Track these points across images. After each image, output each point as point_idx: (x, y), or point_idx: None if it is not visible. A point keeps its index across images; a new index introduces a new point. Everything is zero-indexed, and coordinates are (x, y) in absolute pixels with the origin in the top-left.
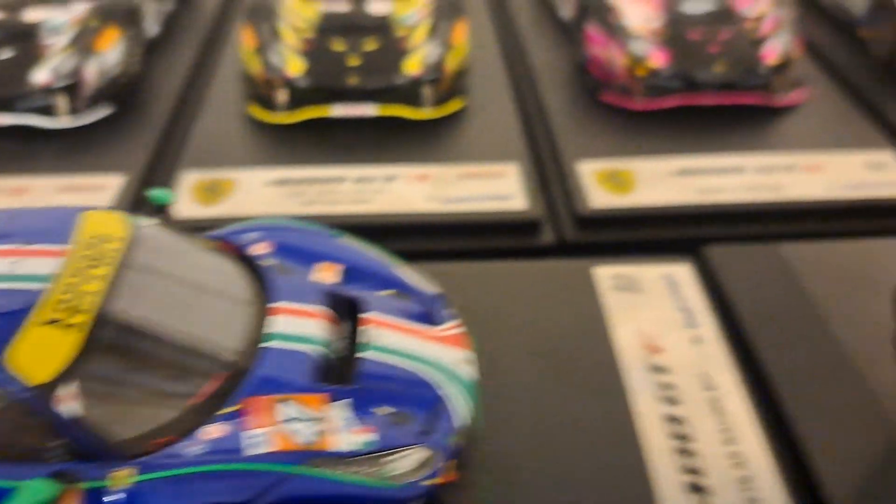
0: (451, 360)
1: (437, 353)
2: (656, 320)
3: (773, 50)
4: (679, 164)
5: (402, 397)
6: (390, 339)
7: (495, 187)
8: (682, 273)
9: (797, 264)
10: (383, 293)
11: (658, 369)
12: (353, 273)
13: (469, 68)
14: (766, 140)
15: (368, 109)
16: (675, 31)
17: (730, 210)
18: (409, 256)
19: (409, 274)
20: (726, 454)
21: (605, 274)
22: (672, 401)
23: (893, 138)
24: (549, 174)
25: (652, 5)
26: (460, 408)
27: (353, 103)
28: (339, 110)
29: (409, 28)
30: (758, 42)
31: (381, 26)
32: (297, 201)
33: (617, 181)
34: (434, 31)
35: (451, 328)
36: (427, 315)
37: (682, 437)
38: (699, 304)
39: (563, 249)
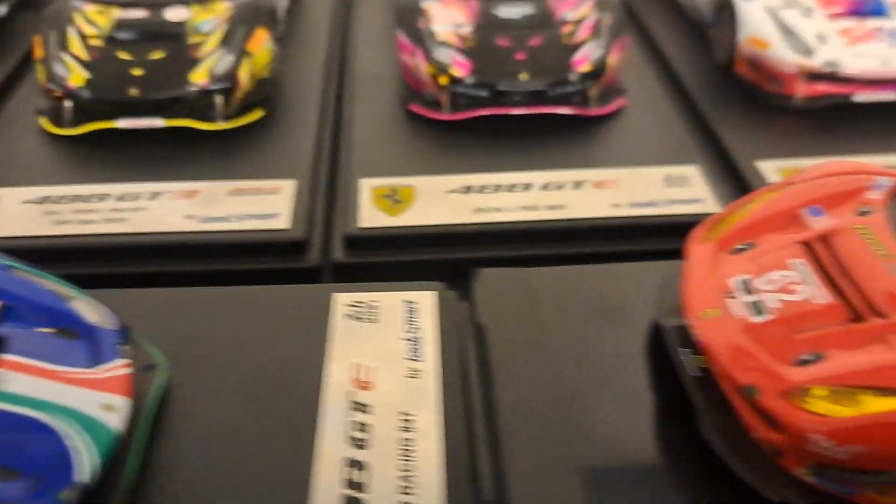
0: (93, 407)
1: (78, 399)
2: (379, 353)
3: (586, 57)
4: (464, 180)
5: (16, 450)
6: (22, 384)
7: (264, 205)
8: (426, 301)
9: (548, 290)
10: (40, 331)
11: (359, 407)
12: (14, 309)
13: (280, 77)
14: (571, 154)
15: (155, 122)
16: (484, 37)
17: (502, 230)
18: (157, 279)
19: (86, 308)
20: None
21: (344, 301)
22: (361, 444)
23: (711, 149)
24: (328, 192)
25: (465, 10)
26: (86, 461)
27: (139, 116)
28: (124, 123)
29: (203, 35)
30: (571, 49)
31: (174, 34)
32: (48, 220)
33: (394, 199)
34: (228, 39)
35: (114, 369)
36: (92, 354)
37: (356, 486)
38: (431, 334)
39: (331, 271)
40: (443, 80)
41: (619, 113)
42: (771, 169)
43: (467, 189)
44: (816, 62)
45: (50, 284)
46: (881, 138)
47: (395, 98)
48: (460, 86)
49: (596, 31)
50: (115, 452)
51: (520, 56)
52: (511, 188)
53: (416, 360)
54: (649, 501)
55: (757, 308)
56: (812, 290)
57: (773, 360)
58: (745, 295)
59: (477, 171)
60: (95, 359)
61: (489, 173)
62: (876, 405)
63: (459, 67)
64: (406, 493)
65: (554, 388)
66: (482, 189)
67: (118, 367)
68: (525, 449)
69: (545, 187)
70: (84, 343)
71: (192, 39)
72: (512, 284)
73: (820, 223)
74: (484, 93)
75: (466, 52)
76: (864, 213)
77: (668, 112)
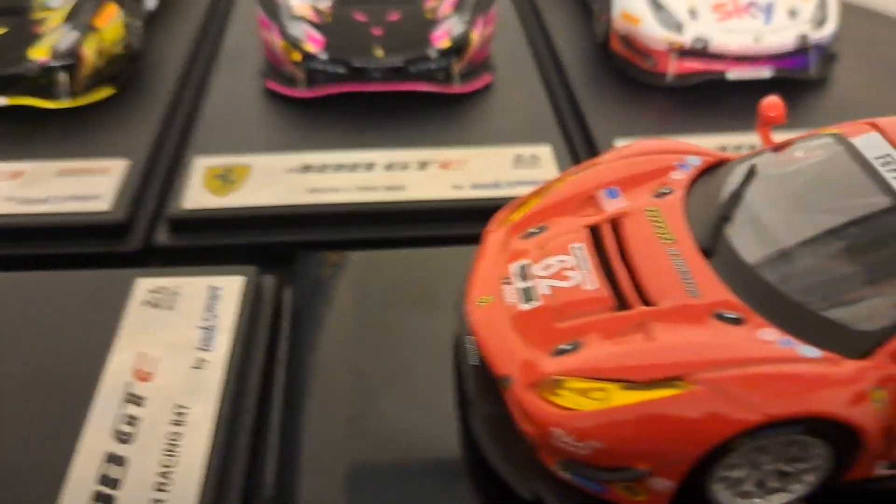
0: None
1: None
2: (168, 342)
3: (447, 32)
4: (305, 159)
5: None
6: None
7: (88, 187)
8: (232, 286)
9: (366, 274)
10: None
11: (133, 399)
12: None
13: (145, 54)
14: (426, 133)
15: None
16: (341, 11)
17: (333, 212)
18: None
19: None
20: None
21: (146, 287)
22: (125, 438)
23: (573, 128)
24: (160, 171)
25: None
26: None
27: None
28: None
29: (49, 11)
30: (431, 24)
31: (18, 9)
32: None
33: (226, 179)
34: (73, 15)
35: None
36: None
37: (110, 482)
38: (229, 322)
39: (155, 254)
40: (296, 56)
41: (484, 90)
42: None
43: (306, 168)
44: (686, 38)
45: None
46: (751, 116)
47: (257, 75)
48: (315, 62)
49: (459, 7)
50: None
51: (376, 31)
52: (353, 168)
53: (206, 349)
54: (420, 496)
55: (527, 295)
56: (583, 276)
57: (531, 350)
58: (521, 281)
59: (322, 149)
60: None
61: (332, 152)
62: (621, 398)
63: (313, 43)
64: (160, 490)
65: (354, 378)
66: (323, 169)
67: None
68: (313, 442)
69: (389, 167)
70: None
71: (37, 15)
72: (330, 268)
73: (613, 205)
74: (340, 69)
75: (321, 27)
76: (661, 195)
77: (536, 90)
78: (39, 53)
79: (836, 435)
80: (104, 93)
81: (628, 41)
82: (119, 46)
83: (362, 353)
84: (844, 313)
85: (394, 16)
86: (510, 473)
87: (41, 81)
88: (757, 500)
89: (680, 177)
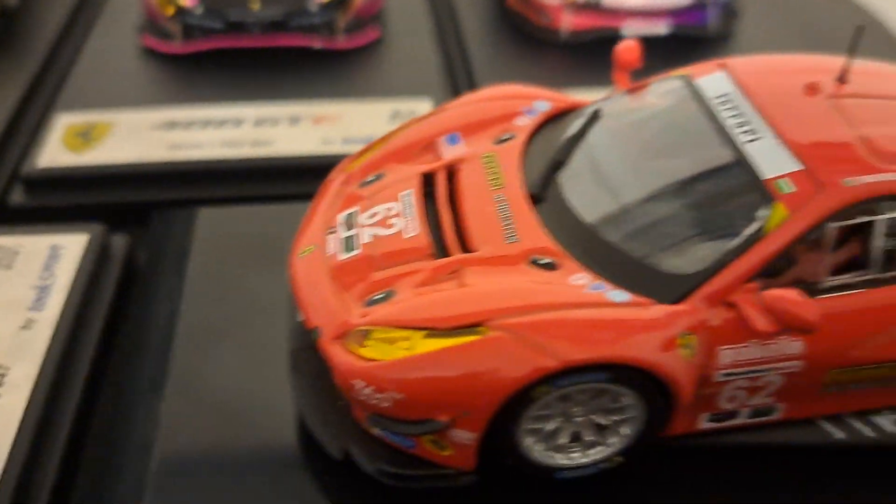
0: None
1: None
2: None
3: None
4: (170, 116)
5: None
6: None
7: None
8: (74, 246)
9: (217, 231)
10: None
11: None
12: None
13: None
14: (305, 87)
15: None
16: None
17: (193, 168)
18: None
19: None
20: None
21: None
22: None
23: (460, 83)
24: (25, 130)
25: None
26: None
27: None
28: None
29: None
30: None
31: None
32: None
33: (87, 137)
34: None
35: None
36: None
37: None
38: (66, 281)
39: (9, 214)
40: (169, 11)
41: (372, 45)
42: None
43: (172, 125)
44: None
45: None
46: (646, 73)
47: (136, 32)
48: (190, 16)
49: None
50: None
51: None
52: (221, 124)
53: (37, 309)
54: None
55: (349, 244)
56: (406, 224)
57: (343, 301)
58: (345, 230)
59: (192, 105)
60: None
61: (201, 108)
62: (422, 347)
63: None
64: None
65: (186, 335)
66: (189, 125)
67: None
68: (142, 398)
69: (259, 123)
70: None
71: None
72: (180, 226)
73: (452, 152)
74: (217, 23)
75: None
76: (502, 141)
77: (428, 45)
78: None
79: (644, 383)
80: None
81: None
82: None
83: (200, 310)
84: (661, 258)
85: None
86: (322, 431)
87: None
88: (574, 455)
89: (525, 122)
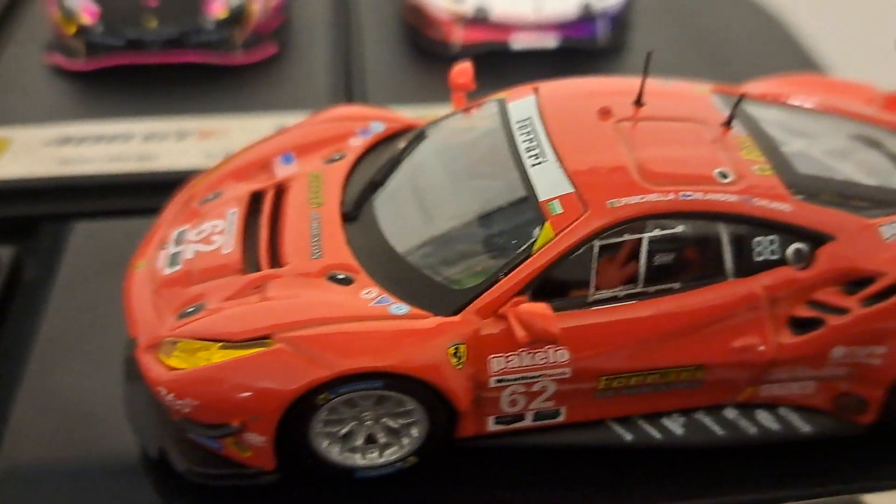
0: None
1: None
2: None
3: (222, 3)
4: (65, 132)
5: None
6: None
7: None
8: None
9: (91, 243)
10: None
11: None
12: None
13: None
14: (199, 103)
15: None
16: None
17: (81, 184)
18: None
19: None
20: None
21: None
22: None
23: (352, 96)
24: None
25: None
26: None
27: None
28: None
29: None
30: None
31: None
32: None
33: None
34: None
35: None
36: None
37: None
38: None
39: None
40: (70, 29)
41: (273, 60)
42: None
43: (66, 140)
44: (467, 7)
45: None
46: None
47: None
48: (91, 34)
49: None
50: None
51: (151, 2)
52: (112, 139)
53: None
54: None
55: (173, 259)
56: (225, 241)
57: (159, 313)
58: (174, 246)
59: (89, 121)
60: None
61: (96, 124)
62: (217, 357)
63: (88, 15)
64: None
65: (43, 348)
66: (81, 141)
67: None
68: None
69: (147, 138)
70: None
71: None
72: (61, 239)
73: (285, 171)
74: (117, 41)
75: None
76: (332, 161)
77: (324, 60)
78: None
79: (419, 389)
80: None
81: (416, 11)
82: None
83: (63, 320)
84: (446, 274)
85: None
86: (142, 432)
87: None
88: (371, 455)
89: (357, 143)
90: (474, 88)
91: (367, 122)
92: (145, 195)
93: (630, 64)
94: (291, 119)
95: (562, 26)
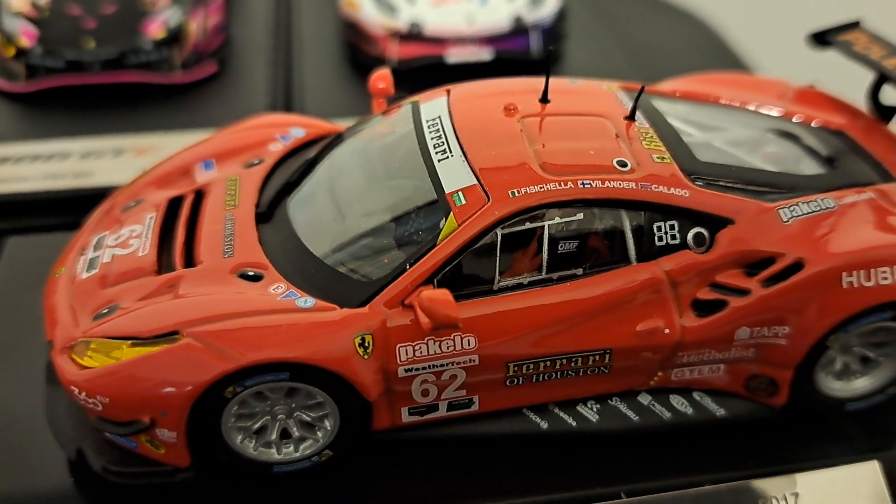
0: None
1: None
2: None
3: (160, 24)
4: (1, 151)
5: None
6: None
7: None
8: None
9: (23, 257)
10: None
11: None
12: None
13: None
14: (140, 121)
15: None
16: (57, 6)
17: (16, 200)
18: None
19: None
20: None
21: None
22: None
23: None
24: None
25: None
26: None
27: None
28: None
29: None
30: (145, 15)
31: None
32: None
33: None
34: None
35: None
36: None
37: None
38: None
39: None
40: (9, 51)
41: (213, 78)
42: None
43: (3, 160)
44: (401, 23)
45: None
46: None
47: None
48: (31, 56)
49: None
50: None
51: (89, 24)
52: (49, 158)
53: None
54: None
55: (91, 264)
56: (141, 244)
57: (74, 316)
58: (92, 251)
59: (26, 141)
60: None
61: (33, 144)
62: (127, 355)
63: (27, 37)
64: None
65: None
66: (18, 160)
67: None
68: None
69: (85, 156)
70: None
71: None
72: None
73: (205, 177)
74: (57, 63)
75: (37, 21)
76: (251, 165)
77: (264, 78)
78: None
79: (326, 380)
80: None
81: (352, 27)
82: None
83: None
84: (355, 268)
85: (109, 8)
86: (60, 434)
87: None
88: (287, 450)
89: (277, 148)
90: (393, 93)
91: (287, 128)
92: (80, 210)
93: (564, 74)
94: None
95: (495, 39)
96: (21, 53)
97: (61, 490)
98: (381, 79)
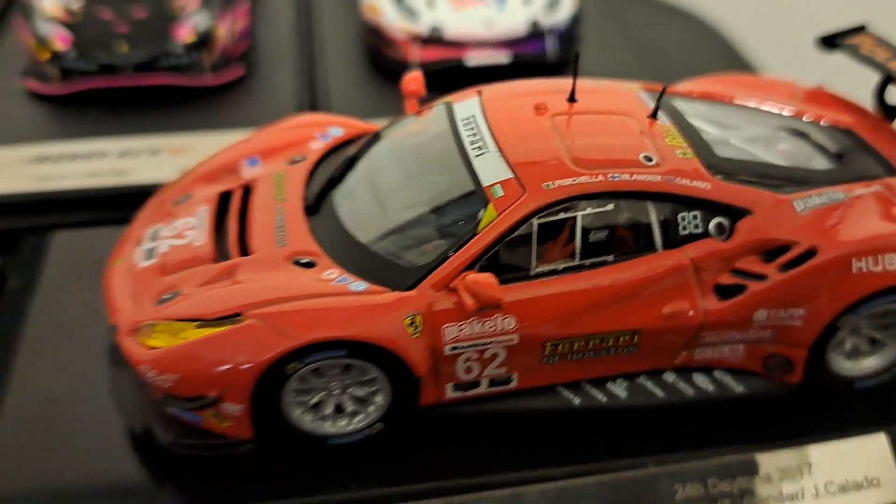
0: None
1: None
2: None
3: (189, 28)
4: (42, 151)
5: None
6: None
7: None
8: None
9: (71, 251)
10: None
11: None
12: None
13: None
14: (172, 122)
15: None
16: (90, 11)
17: (62, 198)
18: None
19: None
20: None
21: None
22: None
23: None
24: None
25: None
26: None
27: None
28: None
29: None
30: (175, 20)
31: None
32: None
33: None
34: None
35: None
36: None
37: None
38: None
39: None
40: (45, 55)
41: (242, 80)
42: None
43: (44, 159)
44: (422, 27)
45: None
46: None
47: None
48: (65, 60)
49: (206, 2)
50: None
51: (121, 28)
52: (87, 157)
53: None
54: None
55: (149, 254)
56: (197, 235)
57: (138, 302)
58: (150, 242)
59: (65, 141)
60: None
61: (71, 144)
62: (194, 335)
63: (61, 41)
64: None
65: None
66: (59, 159)
67: None
68: None
69: (122, 155)
70: None
71: None
72: (43, 249)
73: (251, 173)
74: (90, 66)
75: (71, 26)
76: (295, 162)
77: (290, 80)
78: None
79: (379, 357)
80: None
81: (374, 31)
82: None
83: (42, 323)
84: (403, 255)
85: (140, 13)
86: (125, 411)
87: None
88: (340, 423)
89: (317, 146)
90: (425, 94)
91: (326, 127)
92: (122, 207)
93: (580, 75)
94: None
95: (513, 43)
96: (55, 57)
97: (129, 464)
98: (413, 81)
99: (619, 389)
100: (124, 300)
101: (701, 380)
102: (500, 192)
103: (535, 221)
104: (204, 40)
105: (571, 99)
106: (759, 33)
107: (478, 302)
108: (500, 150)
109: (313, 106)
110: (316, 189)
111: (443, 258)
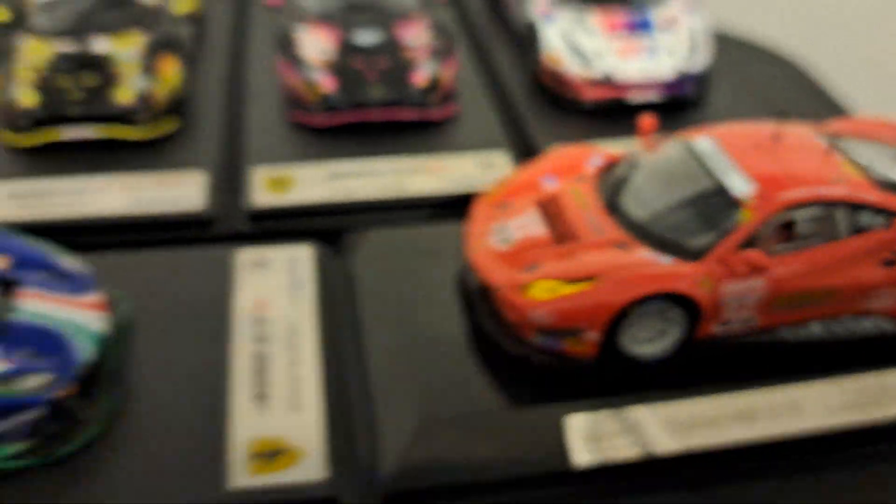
0: (84, 319)
1: (73, 314)
2: (272, 286)
3: (423, 75)
4: (333, 168)
5: (40, 344)
6: (36, 305)
7: (182, 190)
8: (303, 254)
9: (407, 247)
10: (39, 274)
11: (259, 320)
12: (20, 260)
13: (190, 95)
14: (413, 146)
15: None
16: (343, 61)
17: (364, 205)
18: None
19: (64, 260)
20: (290, 375)
21: (245, 257)
22: (262, 340)
23: (519, 139)
24: (231, 178)
25: (329, 38)
26: (83, 350)
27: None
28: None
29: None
30: (411, 69)
31: None
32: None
33: (281, 183)
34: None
35: (91, 298)
36: (74, 289)
37: (261, 360)
38: (307, 274)
39: (239, 238)
40: (313, 96)
41: (454, 116)
42: None
43: (336, 175)
44: (596, 73)
45: (38, 245)
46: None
47: (281, 108)
48: (328, 99)
49: (432, 54)
50: (104, 345)
51: (372, 76)
52: (366, 174)
53: (298, 289)
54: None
55: (505, 241)
56: (536, 228)
57: (511, 271)
58: (501, 234)
59: (343, 160)
60: (80, 292)
61: (353, 162)
62: (566, 290)
63: (328, 85)
64: (292, 367)
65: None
66: (347, 175)
67: (97, 298)
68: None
69: (395, 172)
70: (68, 282)
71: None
72: (378, 244)
73: (551, 187)
74: (348, 104)
75: (331, 72)
76: (580, 181)
77: (490, 113)
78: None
79: (684, 303)
80: (170, 126)
81: (553, 75)
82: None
83: (377, 302)
84: (687, 239)
85: (383, 63)
86: (505, 342)
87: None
88: (647, 346)
89: (591, 169)
90: (656, 130)
91: (590, 156)
92: (409, 212)
93: (709, 112)
94: (483, 157)
95: (663, 85)
96: (323, 98)
97: (500, 378)
98: (647, 119)
99: (817, 329)
100: (500, 270)
101: (867, 323)
102: (750, 199)
103: (776, 218)
104: (434, 84)
105: (775, 138)
106: (847, 74)
107: (750, 268)
108: (742, 168)
109: (510, 134)
110: (606, 197)
111: (718, 239)
